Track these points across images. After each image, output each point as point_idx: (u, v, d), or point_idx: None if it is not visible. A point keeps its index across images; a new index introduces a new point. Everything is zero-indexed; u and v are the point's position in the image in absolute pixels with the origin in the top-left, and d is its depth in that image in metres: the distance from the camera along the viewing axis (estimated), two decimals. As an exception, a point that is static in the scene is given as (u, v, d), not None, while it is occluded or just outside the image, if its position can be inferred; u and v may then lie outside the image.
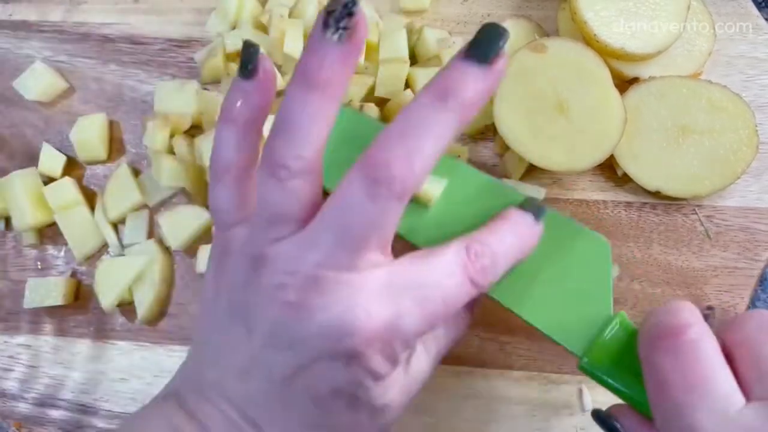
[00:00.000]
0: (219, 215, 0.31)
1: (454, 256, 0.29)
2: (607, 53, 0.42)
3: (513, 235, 0.32)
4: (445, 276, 0.29)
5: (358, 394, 0.28)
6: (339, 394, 0.28)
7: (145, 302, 0.44)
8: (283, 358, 0.28)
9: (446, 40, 0.43)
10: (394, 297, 0.28)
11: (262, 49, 0.30)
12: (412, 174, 0.26)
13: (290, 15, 0.46)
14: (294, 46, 0.44)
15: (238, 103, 0.30)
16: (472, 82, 0.26)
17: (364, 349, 0.27)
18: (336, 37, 0.26)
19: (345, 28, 0.26)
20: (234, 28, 0.48)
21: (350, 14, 0.26)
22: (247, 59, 0.29)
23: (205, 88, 0.47)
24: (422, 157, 0.26)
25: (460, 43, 0.44)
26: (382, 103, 0.45)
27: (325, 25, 0.26)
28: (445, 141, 0.27)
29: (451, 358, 0.41)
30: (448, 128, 0.27)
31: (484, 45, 0.26)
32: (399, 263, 0.29)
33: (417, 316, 0.28)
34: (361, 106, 0.43)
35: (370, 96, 0.45)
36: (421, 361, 0.32)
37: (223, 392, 0.29)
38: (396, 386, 0.30)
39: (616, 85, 0.42)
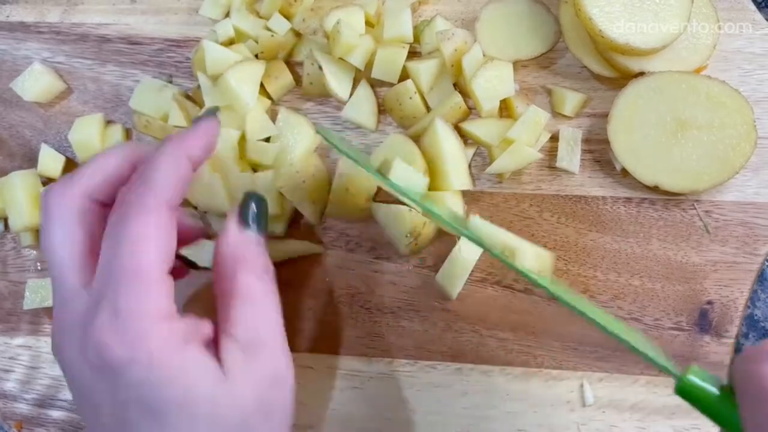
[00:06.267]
0: None
1: None
2: (612, 48, 0.42)
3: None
4: None
5: None
6: None
7: None
8: None
9: (446, 32, 0.44)
10: None
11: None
12: None
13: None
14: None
15: None
16: None
17: None
18: None
19: None
20: (228, 14, 0.49)
21: None
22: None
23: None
24: None
25: (460, 35, 0.44)
26: (376, 84, 0.46)
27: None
28: None
29: (450, 355, 0.42)
30: None
31: None
32: None
33: None
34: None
35: (369, 65, 0.45)
36: None
37: None
38: None
39: (621, 81, 0.42)
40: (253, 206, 0.34)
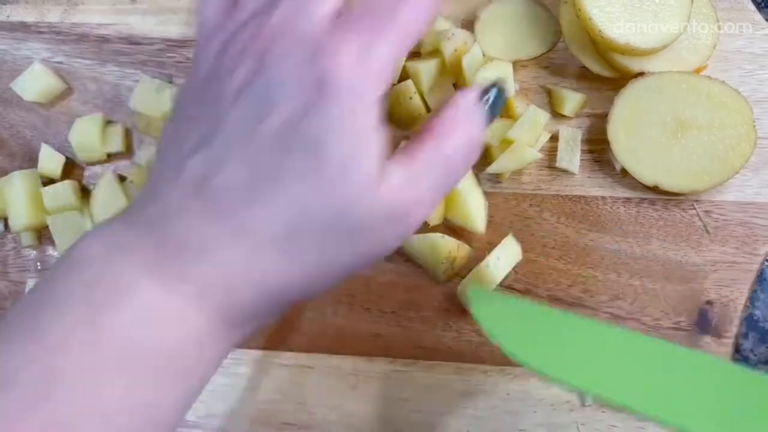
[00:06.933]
0: (208, 21, 0.32)
1: None
2: (612, 49, 0.42)
3: None
4: None
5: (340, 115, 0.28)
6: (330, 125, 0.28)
7: None
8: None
9: (446, 32, 0.44)
10: None
11: None
12: None
13: None
14: None
15: None
16: None
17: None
18: None
19: None
20: None
21: None
22: None
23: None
24: None
25: (460, 35, 0.44)
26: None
27: None
28: None
29: (450, 355, 0.42)
30: None
31: None
32: None
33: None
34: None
35: None
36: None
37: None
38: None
39: (621, 81, 0.42)
40: (495, 92, 0.33)
